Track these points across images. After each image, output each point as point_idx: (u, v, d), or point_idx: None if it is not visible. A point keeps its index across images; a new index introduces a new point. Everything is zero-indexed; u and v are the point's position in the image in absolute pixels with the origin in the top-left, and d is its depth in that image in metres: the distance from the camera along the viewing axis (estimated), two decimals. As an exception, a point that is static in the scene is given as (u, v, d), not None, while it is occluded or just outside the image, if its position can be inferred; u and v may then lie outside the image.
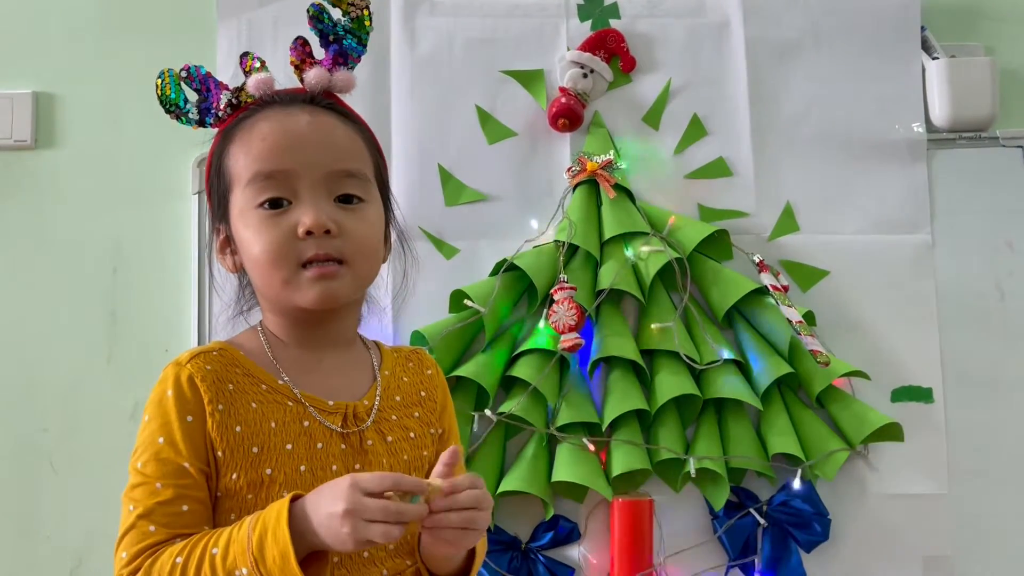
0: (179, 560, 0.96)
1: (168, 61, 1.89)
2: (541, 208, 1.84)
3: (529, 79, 1.87)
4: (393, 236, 1.19)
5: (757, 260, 1.80)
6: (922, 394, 1.82)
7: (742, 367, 1.77)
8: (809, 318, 1.77)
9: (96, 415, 1.85)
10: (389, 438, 1.10)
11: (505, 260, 1.77)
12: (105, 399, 1.84)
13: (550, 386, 1.73)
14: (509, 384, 1.76)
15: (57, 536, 1.84)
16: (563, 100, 1.83)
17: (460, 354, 1.77)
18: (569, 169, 1.84)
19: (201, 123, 1.14)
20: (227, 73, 1.84)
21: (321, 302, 1.05)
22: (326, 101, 1.13)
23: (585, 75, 1.84)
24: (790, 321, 1.73)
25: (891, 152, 1.88)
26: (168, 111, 1.13)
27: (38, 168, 1.92)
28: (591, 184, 1.82)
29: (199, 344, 1.77)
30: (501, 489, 1.70)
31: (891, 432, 1.75)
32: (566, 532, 1.75)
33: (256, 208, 1.05)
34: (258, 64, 1.14)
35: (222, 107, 1.13)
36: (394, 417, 1.12)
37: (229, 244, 1.11)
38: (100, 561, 1.83)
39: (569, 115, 1.82)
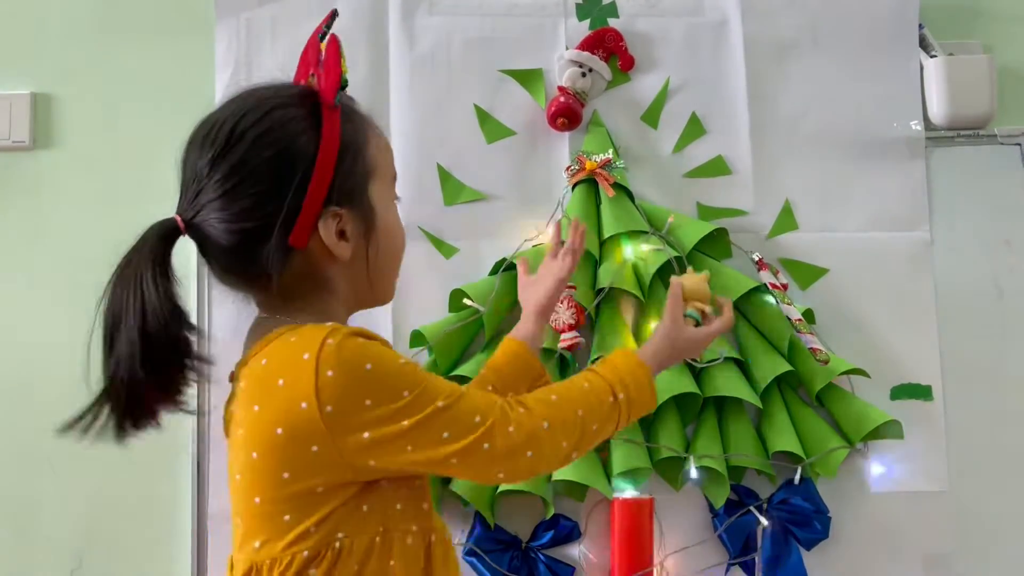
0: (554, 397, 1.09)
1: (166, 62, 1.93)
2: (540, 207, 1.84)
3: (528, 78, 1.87)
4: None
5: (756, 258, 1.80)
6: (921, 391, 1.82)
7: (742, 365, 1.77)
8: (808, 316, 1.78)
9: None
10: None
11: (504, 259, 1.77)
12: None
13: (550, 385, 1.73)
14: (509, 383, 1.76)
15: (57, 537, 1.83)
16: (562, 99, 1.83)
17: (460, 353, 1.77)
18: (568, 168, 1.84)
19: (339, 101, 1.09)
20: (226, 73, 1.85)
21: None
22: None
23: (584, 74, 1.84)
24: (789, 319, 1.73)
25: (889, 150, 1.88)
26: (343, 86, 1.08)
27: (36, 169, 1.92)
28: (590, 183, 1.82)
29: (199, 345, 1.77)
30: (501, 488, 1.70)
31: (891, 430, 1.75)
32: (566, 531, 1.75)
33: (393, 202, 1.14)
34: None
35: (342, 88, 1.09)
36: None
37: (342, 231, 1.07)
38: (100, 562, 1.83)
39: (568, 114, 1.82)
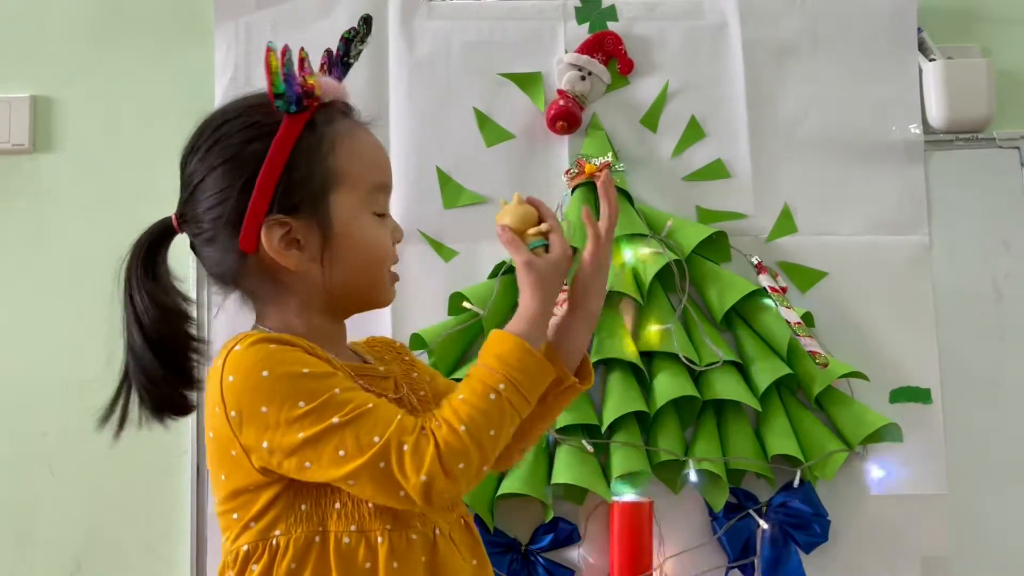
0: (451, 420, 0.97)
1: (165, 66, 1.93)
2: (539, 211, 1.84)
3: (527, 82, 1.87)
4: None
5: (755, 261, 1.80)
6: (920, 395, 1.82)
7: (741, 369, 1.77)
8: (807, 319, 1.78)
9: (95, 419, 1.84)
10: (421, 392, 1.16)
11: (504, 262, 1.77)
12: (104, 403, 1.83)
13: (549, 388, 1.73)
14: (508, 386, 1.76)
15: (56, 540, 1.83)
16: (561, 103, 1.83)
17: (459, 356, 1.77)
18: (567, 171, 1.84)
19: (297, 110, 1.06)
20: (225, 77, 1.85)
21: (391, 300, 1.14)
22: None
23: (583, 77, 1.85)
24: (788, 322, 1.73)
25: (888, 153, 1.88)
26: (276, 94, 1.05)
27: (36, 172, 1.92)
28: (589, 187, 1.82)
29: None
30: (501, 491, 1.70)
31: (890, 433, 1.75)
32: (566, 534, 1.75)
33: (371, 214, 1.10)
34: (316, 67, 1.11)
35: (304, 100, 1.06)
36: (415, 375, 1.18)
37: (294, 240, 1.06)
38: (99, 565, 1.83)
39: (567, 117, 1.83)
